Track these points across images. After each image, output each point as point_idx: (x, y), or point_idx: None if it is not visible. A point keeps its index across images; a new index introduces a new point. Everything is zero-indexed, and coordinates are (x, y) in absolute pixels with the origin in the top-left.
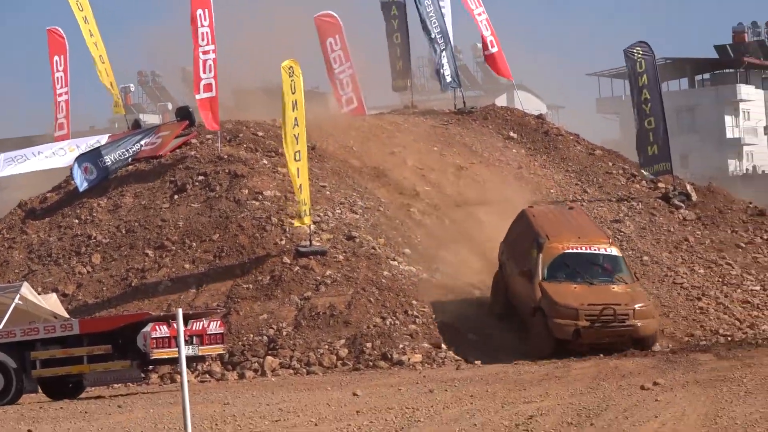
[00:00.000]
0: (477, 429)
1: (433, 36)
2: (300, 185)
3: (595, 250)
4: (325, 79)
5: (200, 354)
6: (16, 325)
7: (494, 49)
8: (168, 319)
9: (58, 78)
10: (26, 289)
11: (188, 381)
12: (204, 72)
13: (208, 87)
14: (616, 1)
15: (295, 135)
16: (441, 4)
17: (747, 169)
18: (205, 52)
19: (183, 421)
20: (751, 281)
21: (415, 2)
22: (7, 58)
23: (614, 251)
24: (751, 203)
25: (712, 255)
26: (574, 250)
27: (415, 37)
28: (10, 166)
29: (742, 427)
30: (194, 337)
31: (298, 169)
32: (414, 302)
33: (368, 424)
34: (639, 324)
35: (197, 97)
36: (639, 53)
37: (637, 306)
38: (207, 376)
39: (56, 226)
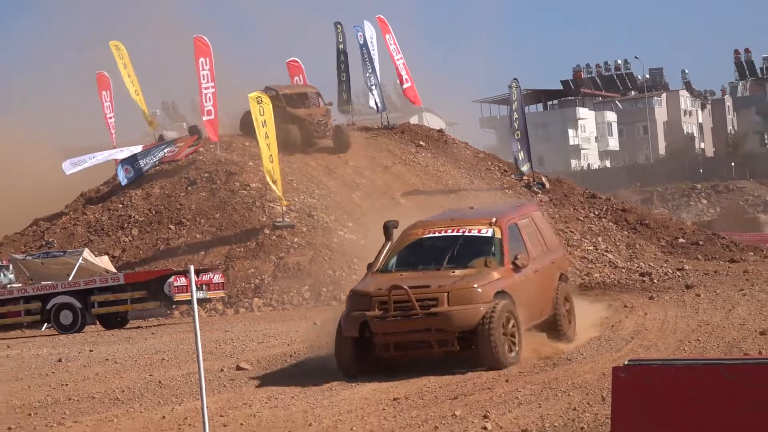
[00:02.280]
0: None
1: (367, 74)
2: (274, 180)
3: (460, 232)
4: None
5: (208, 297)
6: (80, 278)
7: (408, 84)
8: (185, 272)
9: (107, 106)
10: (87, 253)
11: (199, 315)
12: (206, 102)
13: (209, 112)
14: (491, 47)
15: (267, 145)
16: (372, 53)
17: (583, 167)
18: (206, 88)
19: (195, 342)
20: (587, 243)
21: (361, 52)
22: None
23: (490, 232)
24: (586, 189)
25: (560, 225)
26: (433, 234)
27: (354, 75)
28: (75, 168)
29: (583, 338)
30: (204, 285)
31: (271, 168)
32: (355, 260)
33: (324, 344)
34: (450, 312)
35: (204, 118)
36: (514, 85)
37: (454, 288)
38: (213, 312)
39: (106, 209)
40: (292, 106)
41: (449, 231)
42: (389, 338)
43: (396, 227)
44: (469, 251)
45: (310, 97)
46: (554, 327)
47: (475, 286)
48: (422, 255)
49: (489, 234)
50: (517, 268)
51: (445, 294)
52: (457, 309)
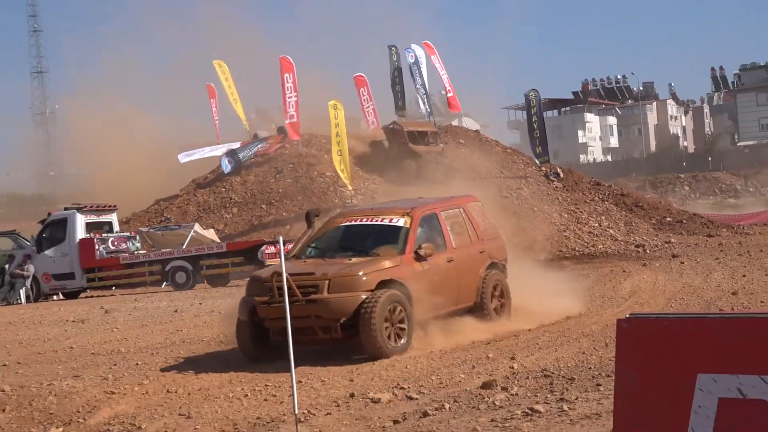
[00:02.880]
0: None
1: (417, 86)
2: (342, 169)
3: (374, 221)
4: (356, 112)
5: None
6: (192, 246)
7: (450, 94)
8: (275, 242)
9: (214, 111)
10: (197, 227)
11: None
12: (290, 108)
13: (292, 116)
14: (517, 64)
15: (338, 142)
16: (421, 69)
17: (589, 160)
18: (290, 97)
19: (282, 296)
20: (593, 221)
21: (410, 69)
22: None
23: (400, 222)
24: (592, 178)
25: (571, 207)
26: (349, 224)
27: (407, 87)
28: (188, 158)
29: (590, 296)
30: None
31: (340, 160)
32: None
33: None
34: (328, 299)
35: (287, 121)
36: (532, 95)
37: (336, 276)
38: None
39: (212, 192)
40: (414, 143)
41: (364, 220)
42: (275, 323)
43: (318, 215)
44: (376, 240)
45: (430, 136)
46: (481, 313)
47: (360, 273)
48: (334, 243)
49: (399, 224)
50: (419, 257)
51: (326, 282)
52: (335, 297)
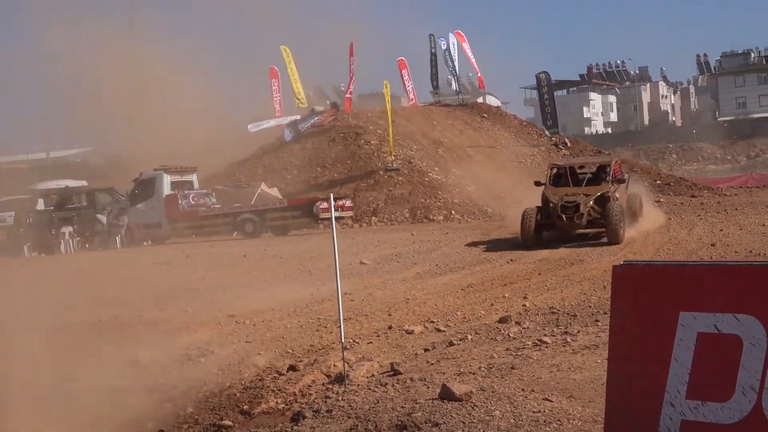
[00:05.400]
0: (459, 252)
1: (450, 68)
2: (388, 141)
3: None
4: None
5: (342, 215)
6: (259, 202)
7: (478, 75)
8: (327, 199)
9: (274, 90)
10: (263, 185)
11: (336, 228)
12: (349, 87)
13: (351, 92)
14: (533, 50)
15: (389, 116)
16: (453, 54)
17: (593, 132)
18: (350, 78)
19: (333, 245)
20: None
21: (444, 54)
22: (241, 83)
23: None
24: (595, 147)
25: None
26: None
27: (440, 69)
28: (256, 128)
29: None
30: (339, 208)
31: (388, 132)
32: (439, 193)
33: (417, 246)
34: None
35: (346, 96)
36: (543, 77)
37: None
38: (345, 225)
39: (276, 157)
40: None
41: None
42: None
43: None
44: None
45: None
46: None
47: None
48: None
49: None
50: None
51: None
52: None
